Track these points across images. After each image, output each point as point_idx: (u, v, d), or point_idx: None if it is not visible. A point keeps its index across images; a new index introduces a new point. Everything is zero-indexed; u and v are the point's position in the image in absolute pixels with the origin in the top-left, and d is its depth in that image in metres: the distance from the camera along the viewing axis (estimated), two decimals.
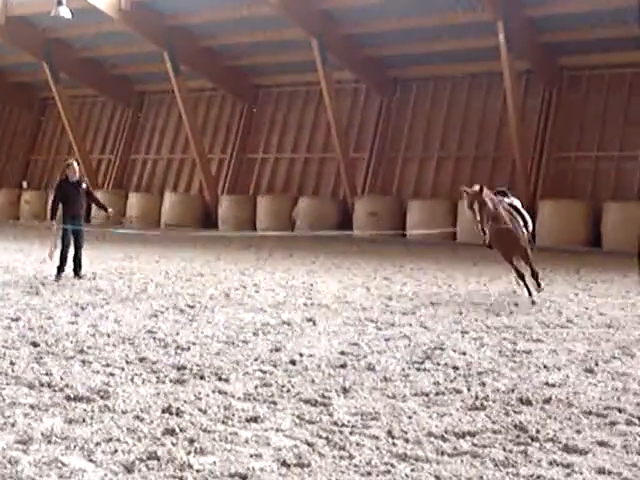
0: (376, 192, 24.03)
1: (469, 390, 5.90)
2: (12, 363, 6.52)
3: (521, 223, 10.90)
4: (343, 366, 6.65)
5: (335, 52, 22.56)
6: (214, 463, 4.32)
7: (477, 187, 10.16)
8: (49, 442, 4.60)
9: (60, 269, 12.15)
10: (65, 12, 21.87)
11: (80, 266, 12.35)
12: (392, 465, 4.33)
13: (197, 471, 4.20)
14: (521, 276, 10.72)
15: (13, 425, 4.88)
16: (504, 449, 4.59)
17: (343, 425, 5.02)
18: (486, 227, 10.04)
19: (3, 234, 22.55)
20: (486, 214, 10.02)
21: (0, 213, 29.12)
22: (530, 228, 11.36)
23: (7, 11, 24.89)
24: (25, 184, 29.32)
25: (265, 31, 23.04)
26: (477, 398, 5.65)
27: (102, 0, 22.35)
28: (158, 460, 4.34)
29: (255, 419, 5.11)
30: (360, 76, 24.34)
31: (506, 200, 11.07)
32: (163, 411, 5.22)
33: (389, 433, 4.87)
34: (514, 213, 10.90)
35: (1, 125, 31.43)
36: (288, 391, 5.81)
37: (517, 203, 11.36)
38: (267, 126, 26.97)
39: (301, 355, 7.02)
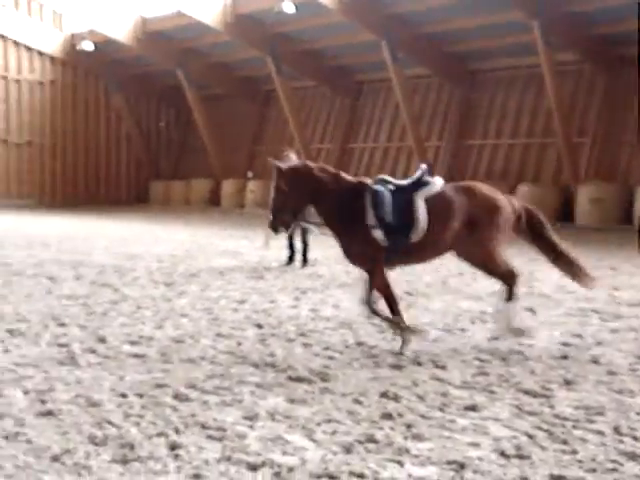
0: (600, 178, 22.91)
1: None
2: (239, 343, 6.88)
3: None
4: (565, 357, 6.41)
5: (557, 33, 21.70)
6: (431, 449, 4.32)
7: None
8: (273, 419, 4.80)
9: (290, 257, 12.64)
10: (289, 7, 22.65)
11: (306, 252, 12.66)
12: (619, 463, 4.12)
13: (415, 456, 4.21)
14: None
15: (240, 402, 5.14)
16: None
17: (565, 418, 4.85)
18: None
19: (230, 222, 23.80)
20: None
21: (227, 202, 30.73)
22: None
23: (235, 9, 26.18)
24: (250, 174, 30.72)
25: (481, 15, 22.59)
26: None
27: None
28: (376, 443, 4.40)
29: (473, 407, 5.05)
30: (585, 56, 23.26)
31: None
32: (381, 395, 5.29)
33: (615, 429, 4.63)
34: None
35: (228, 118, 33.10)
36: (507, 381, 5.69)
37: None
38: (485, 112, 26.48)
39: (520, 345, 6.84)
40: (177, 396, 5.24)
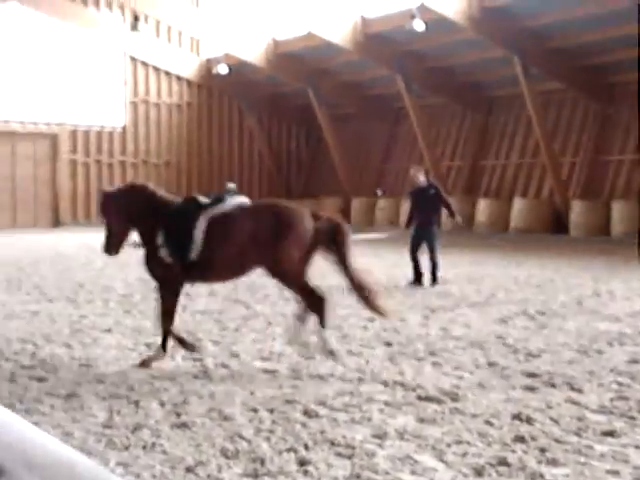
0: None
1: None
2: (368, 361, 6.87)
3: None
4: None
5: None
6: (567, 475, 4.16)
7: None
8: (402, 439, 4.76)
9: (417, 277, 12.42)
10: (418, 25, 22.65)
11: (435, 271, 12.44)
12: None
13: None
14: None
15: (369, 420, 5.13)
16: None
17: None
18: None
19: (360, 239, 23.87)
20: None
21: (357, 219, 30.87)
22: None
23: (365, 29, 26.42)
24: (379, 192, 30.77)
25: (618, 27, 21.85)
26: None
27: (453, 10, 22.79)
28: (508, 466, 4.29)
29: (611, 433, 4.84)
30: None
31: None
32: (513, 417, 5.16)
33: None
34: None
35: (357, 136, 33.32)
36: None
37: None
38: (623, 126, 25.54)
39: None
40: (307, 412, 5.28)
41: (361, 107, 32.33)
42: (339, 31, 26.32)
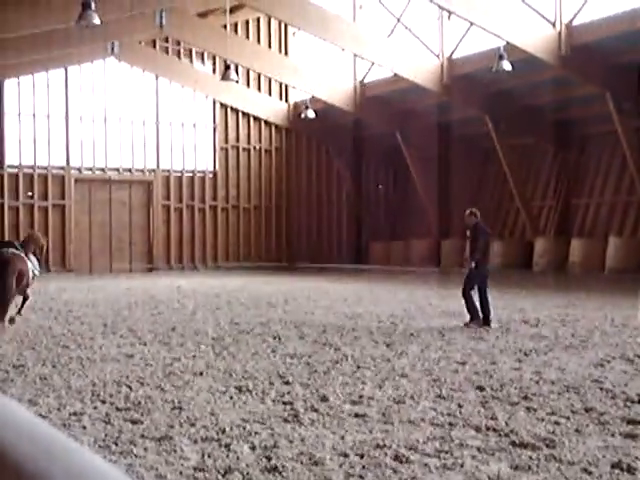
0: None
1: None
2: (460, 406, 6.74)
3: None
4: None
5: None
6: None
7: None
8: None
9: (480, 317, 12.29)
10: (506, 65, 22.53)
11: (486, 312, 12.32)
12: None
13: None
14: None
15: (462, 466, 5.02)
16: None
17: None
18: None
19: (450, 281, 23.61)
20: None
21: (447, 261, 30.47)
22: None
23: (451, 70, 26.44)
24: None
25: None
26: None
27: (540, 48, 22.61)
28: None
29: None
30: None
31: None
32: (613, 466, 4.96)
33: None
34: None
35: (447, 178, 33.11)
36: None
37: None
38: None
39: None
40: (397, 457, 5.21)
41: (449, 148, 32.21)
42: (425, 73, 26.42)
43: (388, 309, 15.18)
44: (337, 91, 30.49)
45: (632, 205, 26.72)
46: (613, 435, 5.72)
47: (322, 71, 31.17)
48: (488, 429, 5.92)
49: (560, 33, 22.60)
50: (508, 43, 22.54)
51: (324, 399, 7.06)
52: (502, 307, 15.36)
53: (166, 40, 31.84)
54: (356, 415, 6.44)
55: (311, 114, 31.47)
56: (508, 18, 22.38)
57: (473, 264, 12.61)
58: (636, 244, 25.31)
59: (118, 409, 6.76)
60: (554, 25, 22.76)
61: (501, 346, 10.20)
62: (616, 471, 4.87)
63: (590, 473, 4.84)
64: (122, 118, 31.95)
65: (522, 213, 29.00)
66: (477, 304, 12.38)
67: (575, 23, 22.62)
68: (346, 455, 5.29)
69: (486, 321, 12.27)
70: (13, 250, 12.08)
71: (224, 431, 5.94)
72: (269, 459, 5.22)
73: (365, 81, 30.52)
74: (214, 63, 32.87)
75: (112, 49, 28.93)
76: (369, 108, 30.68)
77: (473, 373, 8.27)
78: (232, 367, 8.79)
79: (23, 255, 12.15)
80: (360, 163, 35.99)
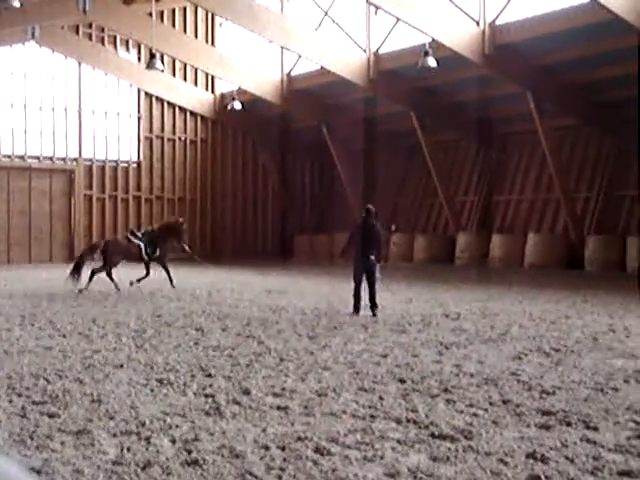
0: None
1: None
2: (381, 398, 6.81)
3: None
4: None
5: None
6: None
7: None
8: (415, 477, 4.70)
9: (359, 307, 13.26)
10: (432, 62, 22.79)
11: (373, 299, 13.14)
12: None
13: None
14: None
15: (382, 458, 5.07)
16: None
17: None
18: None
19: None
20: None
21: None
22: None
23: (377, 66, 26.62)
24: (393, 227, 30.74)
25: (632, 63, 21.90)
26: None
27: (465, 47, 22.93)
28: None
29: (628, 473, 4.77)
30: None
31: None
32: (528, 456, 5.09)
33: None
34: None
35: (372, 172, 33.35)
36: None
37: None
38: (638, 161, 25.52)
39: None
40: (318, 450, 5.23)
41: (375, 143, 32.46)
42: (352, 67, 26.52)
43: (312, 302, 15.22)
44: (264, 83, 30.35)
45: (550, 202, 27.41)
46: (528, 426, 5.86)
47: (249, 63, 30.98)
48: (408, 421, 5.99)
49: (484, 32, 22.98)
50: (434, 40, 22.79)
51: (246, 392, 7.04)
52: (424, 301, 15.58)
53: (90, 26, 31.16)
54: (278, 408, 6.44)
55: (237, 106, 31.27)
56: (434, 15, 22.61)
57: (372, 257, 13.35)
58: (554, 240, 25.98)
59: (35, 402, 6.61)
60: (478, 24, 23.12)
61: (423, 339, 10.33)
62: (530, 461, 4.99)
63: (506, 463, 4.95)
64: (43, 105, 31.15)
65: (445, 208, 29.45)
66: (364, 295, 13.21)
67: (499, 23, 23.01)
68: (267, 448, 5.28)
69: (372, 311, 13.07)
70: None
71: (144, 424, 5.87)
72: (189, 452, 5.18)
73: (292, 74, 30.47)
74: (139, 51, 32.35)
75: (32, 33, 28.17)
76: (296, 101, 30.66)
77: (395, 366, 8.36)
78: (153, 359, 8.69)
79: None
80: (286, 156, 35.97)
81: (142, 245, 17.67)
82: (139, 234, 18.23)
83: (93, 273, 17.48)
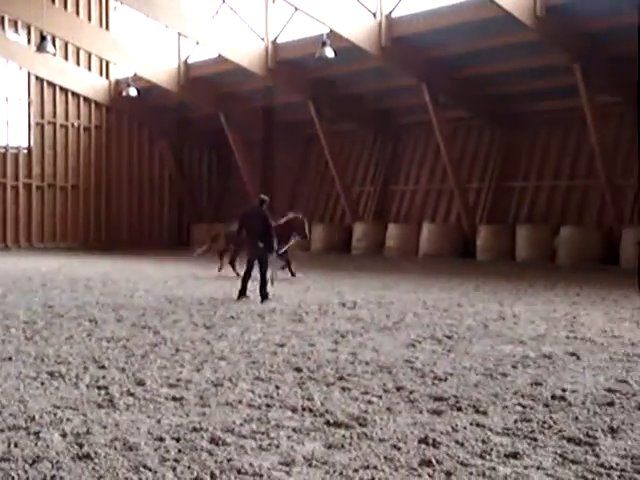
0: None
1: None
2: (277, 387, 6.83)
3: None
4: (610, 404, 6.25)
5: (597, 75, 21.59)
6: None
7: None
8: (310, 465, 4.74)
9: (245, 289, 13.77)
10: (329, 53, 22.90)
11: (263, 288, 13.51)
12: None
13: None
14: None
15: (277, 447, 5.09)
16: None
17: (611, 468, 4.70)
18: None
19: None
20: None
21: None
22: None
23: (276, 55, 26.55)
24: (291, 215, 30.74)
25: (523, 58, 22.59)
26: None
27: (362, 38, 23.12)
28: None
29: (515, 455, 4.93)
30: (625, 99, 23.08)
31: None
32: (420, 441, 5.20)
33: None
34: None
35: (270, 161, 33.29)
36: (549, 427, 5.55)
37: None
38: (526, 153, 26.39)
39: (564, 390, 6.70)
40: (214, 440, 5.20)
41: (273, 132, 32.39)
42: (250, 56, 26.38)
43: (209, 292, 15.11)
44: (161, 70, 29.82)
45: (444, 193, 28.01)
46: (421, 412, 5.99)
47: (145, 49, 30.38)
48: (304, 410, 6.03)
49: (380, 24, 23.23)
50: (332, 31, 22.90)
51: (141, 383, 6.94)
52: (321, 289, 15.70)
53: None
54: (173, 399, 6.38)
55: (133, 92, 30.62)
56: (332, 6, 22.73)
57: (262, 245, 13.68)
58: (447, 230, 26.59)
59: None
60: (375, 16, 23.36)
61: (319, 328, 10.41)
62: (422, 446, 5.11)
63: (399, 449, 5.04)
64: None
65: (342, 198, 29.70)
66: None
67: (395, 15, 23.31)
68: (162, 439, 5.22)
69: (262, 299, 13.40)
70: None
71: (33, 419, 5.71)
72: (81, 446, 5.07)
73: (190, 61, 30.07)
74: (29, 33, 31.24)
75: None
76: (193, 89, 30.27)
77: (291, 355, 8.40)
78: (44, 352, 8.46)
79: None
80: (183, 144, 35.53)
81: None
82: None
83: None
